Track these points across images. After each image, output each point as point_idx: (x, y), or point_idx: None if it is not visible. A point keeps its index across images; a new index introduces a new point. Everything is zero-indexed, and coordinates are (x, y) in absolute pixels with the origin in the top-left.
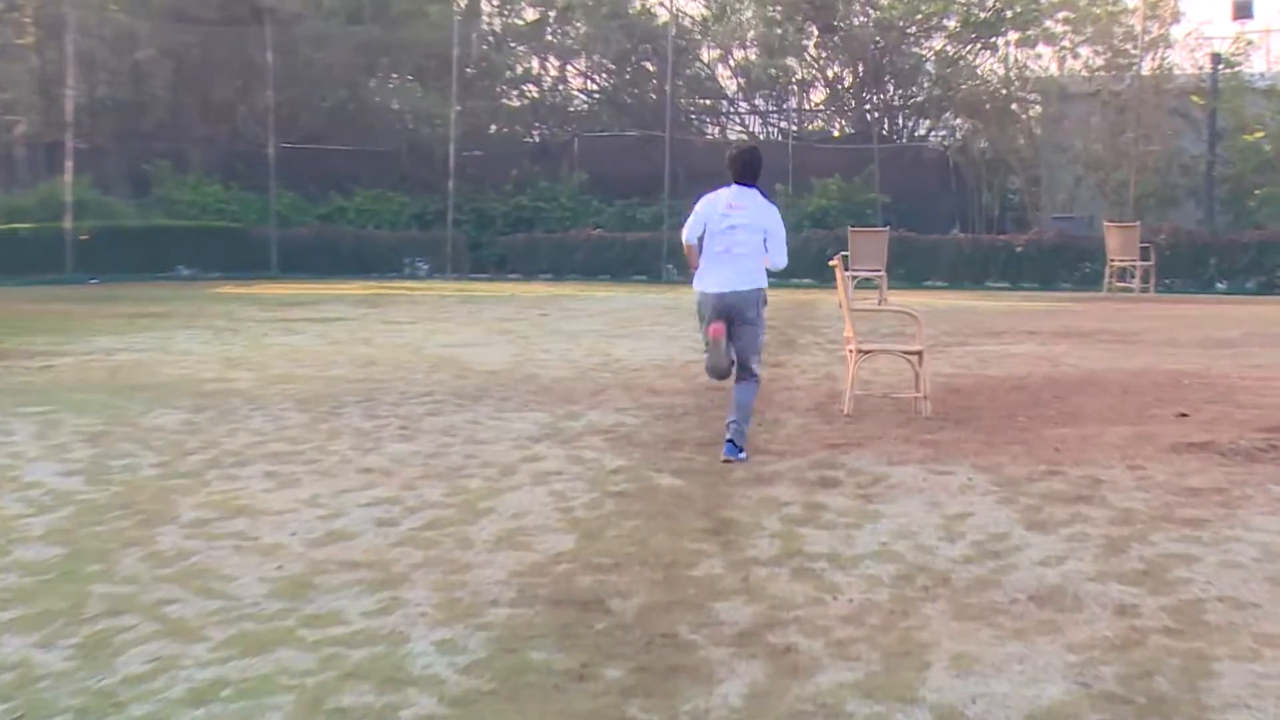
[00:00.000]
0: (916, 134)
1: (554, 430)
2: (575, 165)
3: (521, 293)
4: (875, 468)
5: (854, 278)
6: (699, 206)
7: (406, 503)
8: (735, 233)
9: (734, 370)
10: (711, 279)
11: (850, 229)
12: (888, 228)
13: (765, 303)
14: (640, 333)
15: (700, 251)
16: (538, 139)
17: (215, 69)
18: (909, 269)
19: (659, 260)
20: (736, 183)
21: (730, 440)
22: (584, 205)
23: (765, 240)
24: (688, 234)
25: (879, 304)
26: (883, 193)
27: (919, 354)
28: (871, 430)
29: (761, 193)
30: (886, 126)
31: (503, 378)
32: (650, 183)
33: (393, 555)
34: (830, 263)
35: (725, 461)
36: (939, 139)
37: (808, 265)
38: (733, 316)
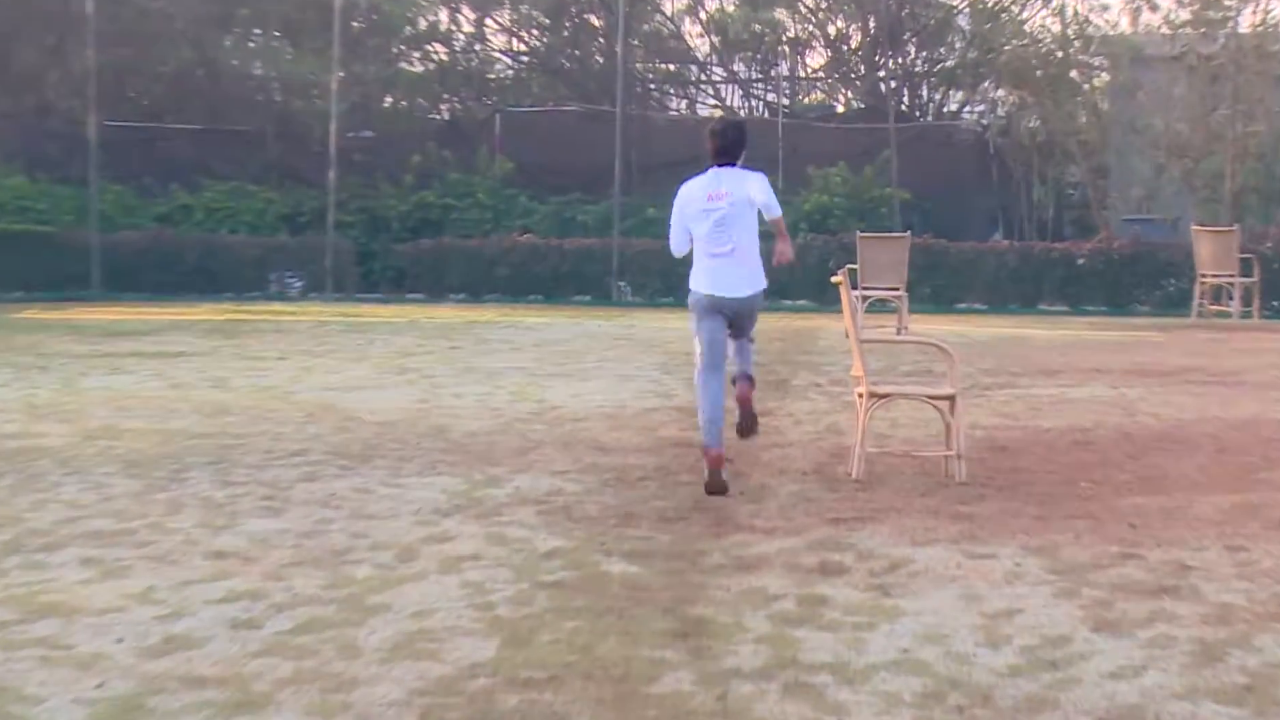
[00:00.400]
0: (946, 110)
1: (469, 500)
2: (497, 150)
3: (426, 318)
4: (893, 549)
5: (865, 298)
6: (676, 207)
7: (272, 598)
8: (726, 229)
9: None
10: (719, 280)
11: (859, 235)
12: (908, 233)
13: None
14: (583, 371)
15: (694, 247)
16: (447, 116)
17: (16, 22)
18: (937, 287)
19: (608, 276)
20: (715, 165)
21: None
22: (509, 203)
23: (753, 208)
24: (675, 246)
25: (898, 333)
26: (901, 187)
27: (951, 399)
28: (888, 500)
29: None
30: (906, 100)
31: (401, 431)
32: (596, 173)
33: (253, 668)
34: (834, 279)
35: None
36: (975, 116)
37: (804, 282)
38: (734, 319)
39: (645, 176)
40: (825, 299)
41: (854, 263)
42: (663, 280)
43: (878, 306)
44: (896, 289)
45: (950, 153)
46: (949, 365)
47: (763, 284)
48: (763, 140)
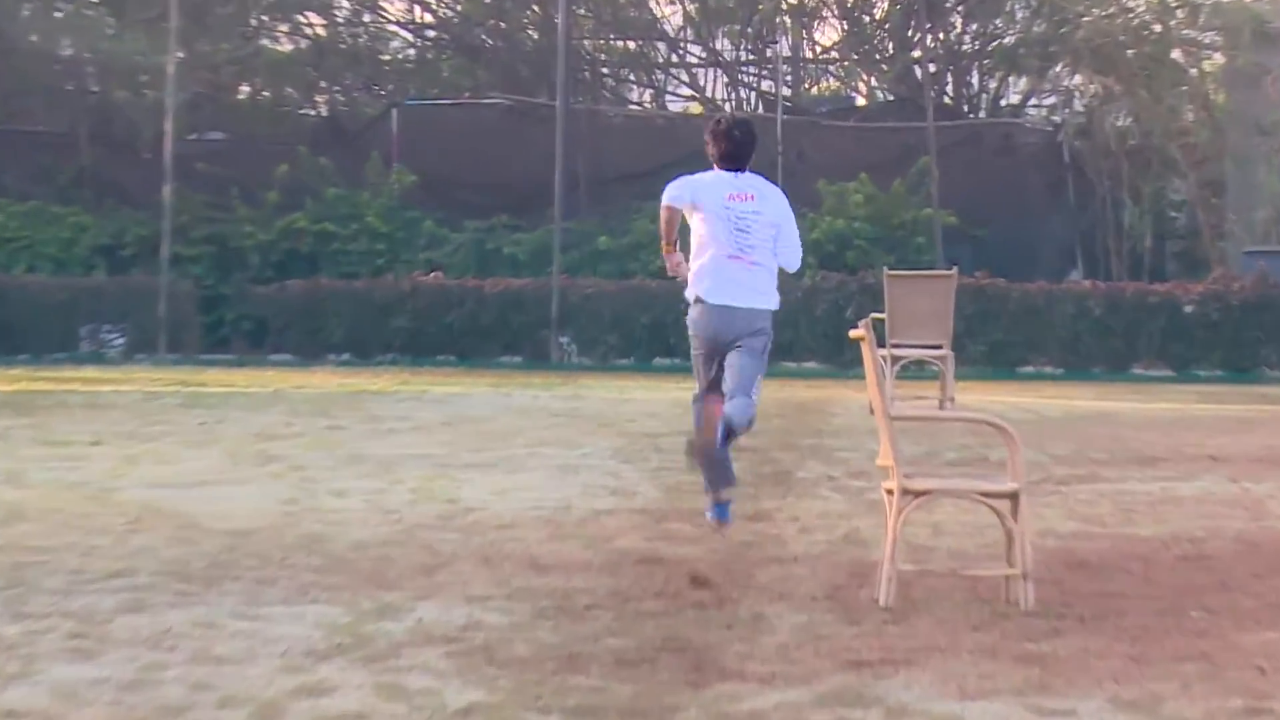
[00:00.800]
0: (1004, 103)
1: (354, 638)
2: (395, 158)
3: (296, 387)
4: (936, 703)
5: (896, 360)
6: (683, 183)
7: None
8: (750, 234)
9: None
10: (724, 288)
11: (888, 273)
12: (954, 270)
13: (772, 333)
14: (512, 460)
15: (694, 249)
16: (326, 111)
17: None
18: (994, 344)
19: (545, 329)
20: (722, 164)
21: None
22: (410, 230)
23: (775, 239)
24: (672, 196)
25: (941, 406)
26: (945, 208)
27: (1013, 497)
28: (929, 635)
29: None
30: (950, 89)
31: (261, 543)
32: (529, 190)
33: None
34: (853, 333)
35: (718, 520)
36: (1044, 112)
37: (812, 337)
38: (736, 341)
39: (596, 193)
40: (842, 360)
41: (881, 311)
42: (620, 334)
43: (913, 371)
44: (939, 346)
45: (1011, 162)
46: (1010, 451)
47: (776, 301)
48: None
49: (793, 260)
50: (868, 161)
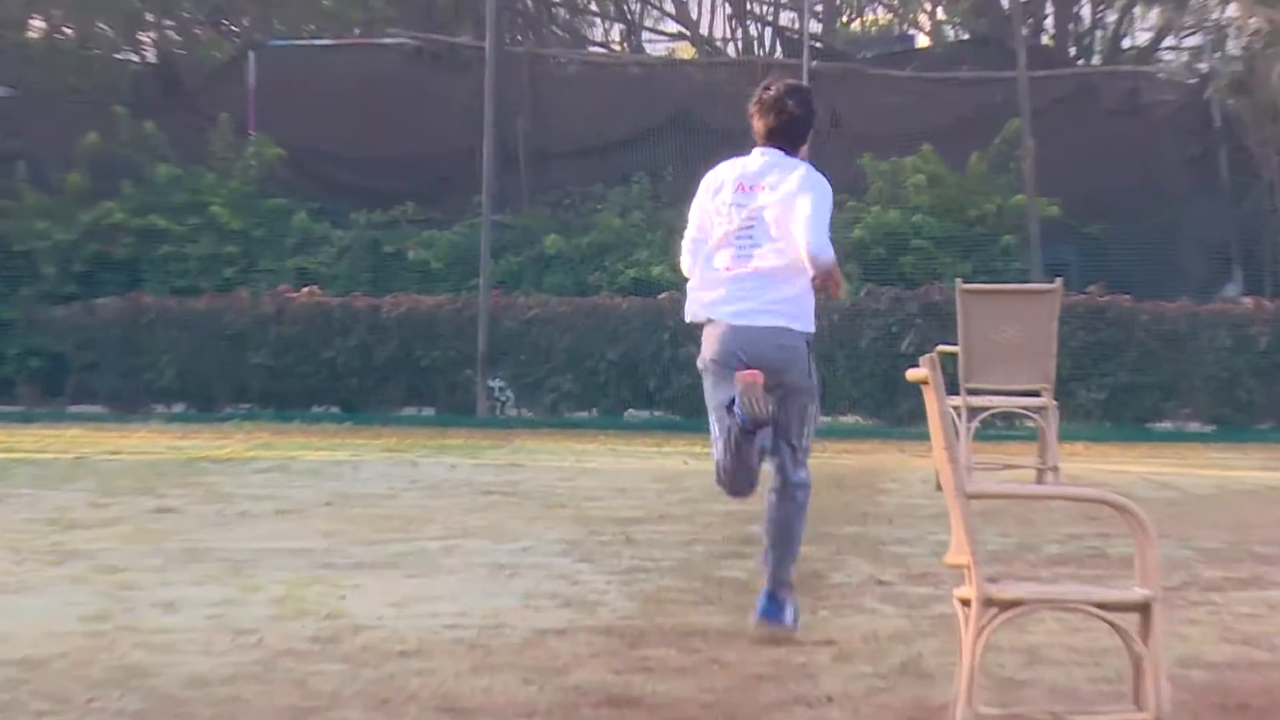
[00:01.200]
0: (1127, 46)
1: None
2: (254, 123)
3: (109, 453)
4: None
5: (974, 411)
6: (699, 195)
7: None
8: (755, 234)
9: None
10: (733, 307)
11: (962, 287)
12: (1058, 284)
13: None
14: (420, 558)
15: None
16: (153, 56)
17: None
18: (1117, 389)
19: (469, 369)
20: (766, 144)
21: (768, 593)
22: (274, 225)
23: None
24: (689, 255)
25: (1040, 479)
26: (1045, 195)
27: (1143, 610)
28: None
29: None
30: (1051, 24)
31: (57, 675)
32: (445, 168)
33: None
34: (913, 373)
35: (762, 625)
36: (1185, 57)
37: (855, 380)
38: (766, 377)
39: (543, 173)
40: (895, 413)
41: (952, 342)
42: (577, 375)
43: (1000, 428)
44: (1036, 393)
45: (1137, 128)
46: (1139, 543)
47: (807, 325)
48: None
49: (814, 241)
50: (932, 128)
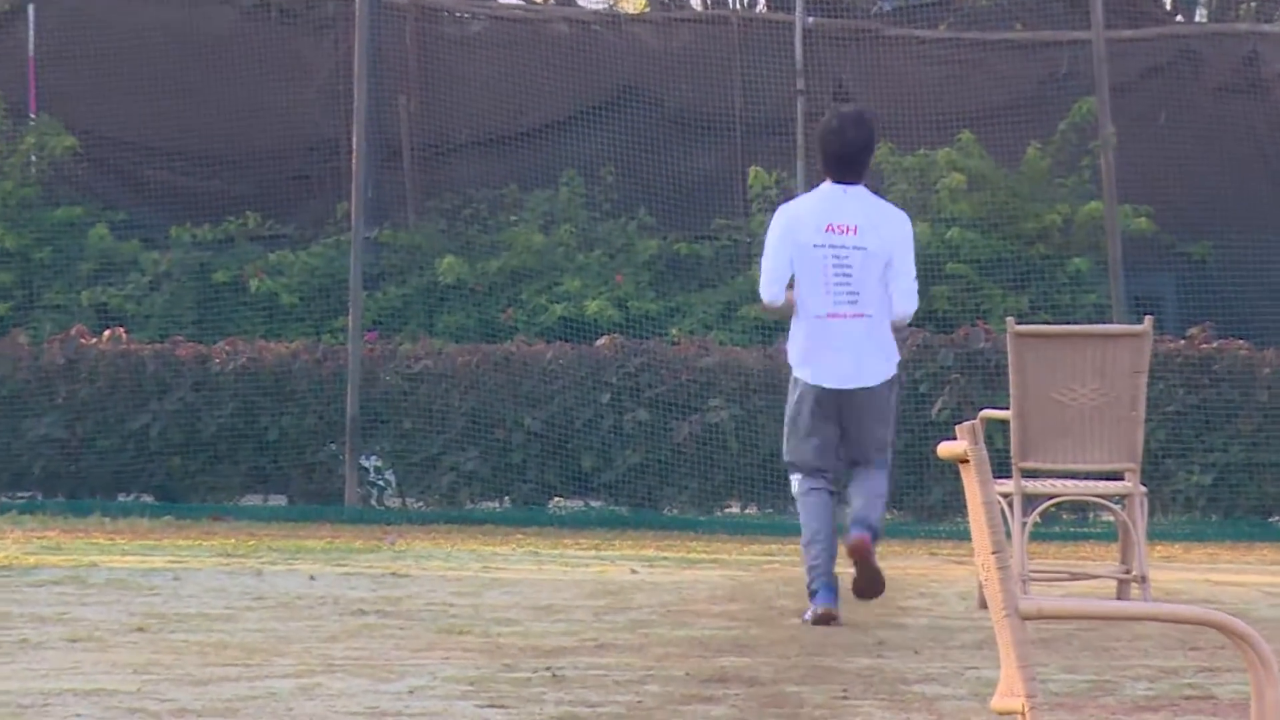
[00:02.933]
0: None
1: None
2: (33, 101)
3: None
4: None
5: (1033, 499)
6: (776, 230)
7: None
8: (852, 277)
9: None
10: (828, 364)
11: (1015, 327)
12: (1148, 323)
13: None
14: (271, 702)
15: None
16: None
17: None
18: (1230, 468)
19: (332, 438)
20: (835, 180)
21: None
22: (63, 240)
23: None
24: (770, 288)
25: (1123, 592)
26: (1130, 201)
27: None
28: None
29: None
30: None
31: None
32: (300, 162)
33: None
34: (948, 448)
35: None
36: None
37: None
38: (854, 419)
39: (435, 169)
40: (924, 504)
41: (1003, 403)
42: (482, 452)
43: (1067, 524)
44: (1118, 475)
45: (1258, 110)
46: (1256, 680)
47: (896, 357)
48: (759, 77)
49: (905, 306)
50: (975, 109)
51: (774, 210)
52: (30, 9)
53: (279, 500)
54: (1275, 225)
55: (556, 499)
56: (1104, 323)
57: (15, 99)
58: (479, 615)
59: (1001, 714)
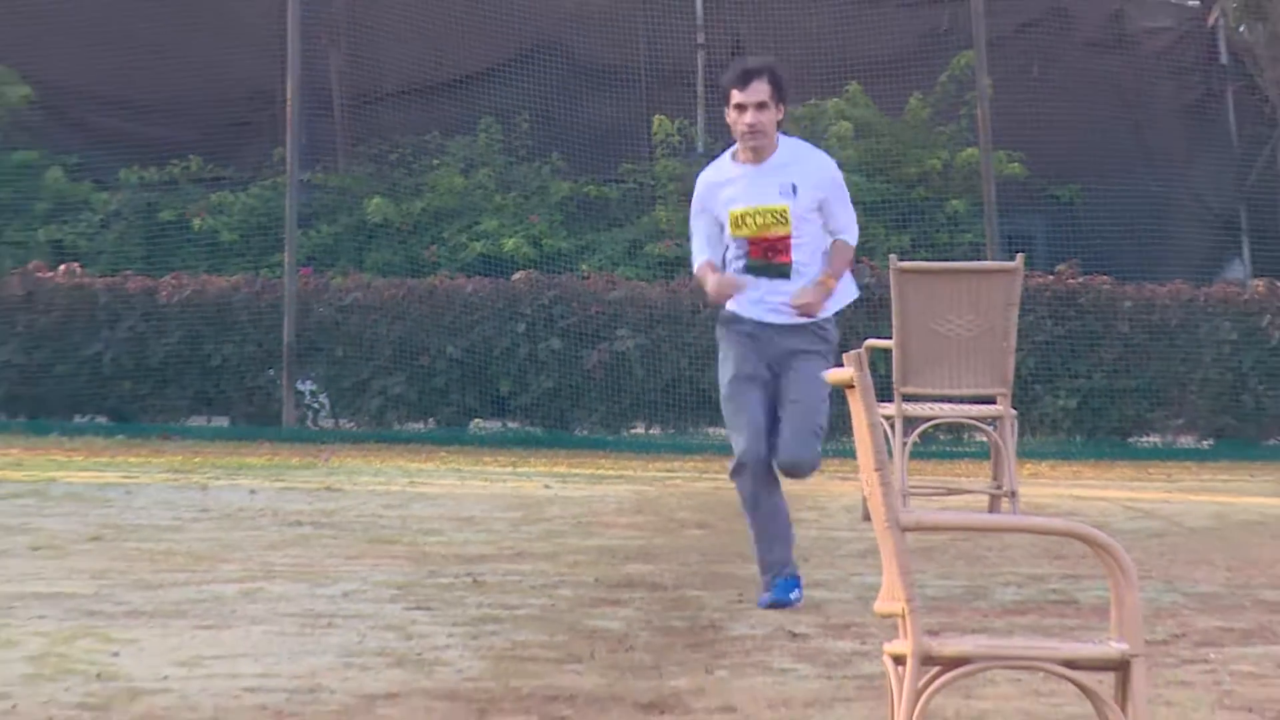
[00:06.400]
0: None
1: None
2: None
3: None
4: None
5: (913, 421)
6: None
7: None
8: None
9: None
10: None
11: (898, 264)
12: (1019, 260)
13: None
14: (214, 605)
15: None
16: None
17: None
18: (1092, 393)
19: (270, 364)
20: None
21: (778, 580)
22: (21, 184)
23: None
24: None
25: (994, 506)
26: (1004, 148)
27: (1120, 669)
28: None
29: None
30: None
31: None
32: (238, 109)
33: None
34: (835, 374)
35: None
36: None
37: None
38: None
39: (364, 116)
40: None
41: (885, 334)
42: (410, 377)
43: (944, 443)
44: (990, 400)
45: (1123, 63)
46: (1117, 586)
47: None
48: (662, 32)
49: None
50: (862, 59)
51: (676, 156)
52: None
53: (222, 421)
54: (1136, 171)
55: (477, 420)
56: (979, 260)
57: None
58: (406, 526)
59: (883, 616)
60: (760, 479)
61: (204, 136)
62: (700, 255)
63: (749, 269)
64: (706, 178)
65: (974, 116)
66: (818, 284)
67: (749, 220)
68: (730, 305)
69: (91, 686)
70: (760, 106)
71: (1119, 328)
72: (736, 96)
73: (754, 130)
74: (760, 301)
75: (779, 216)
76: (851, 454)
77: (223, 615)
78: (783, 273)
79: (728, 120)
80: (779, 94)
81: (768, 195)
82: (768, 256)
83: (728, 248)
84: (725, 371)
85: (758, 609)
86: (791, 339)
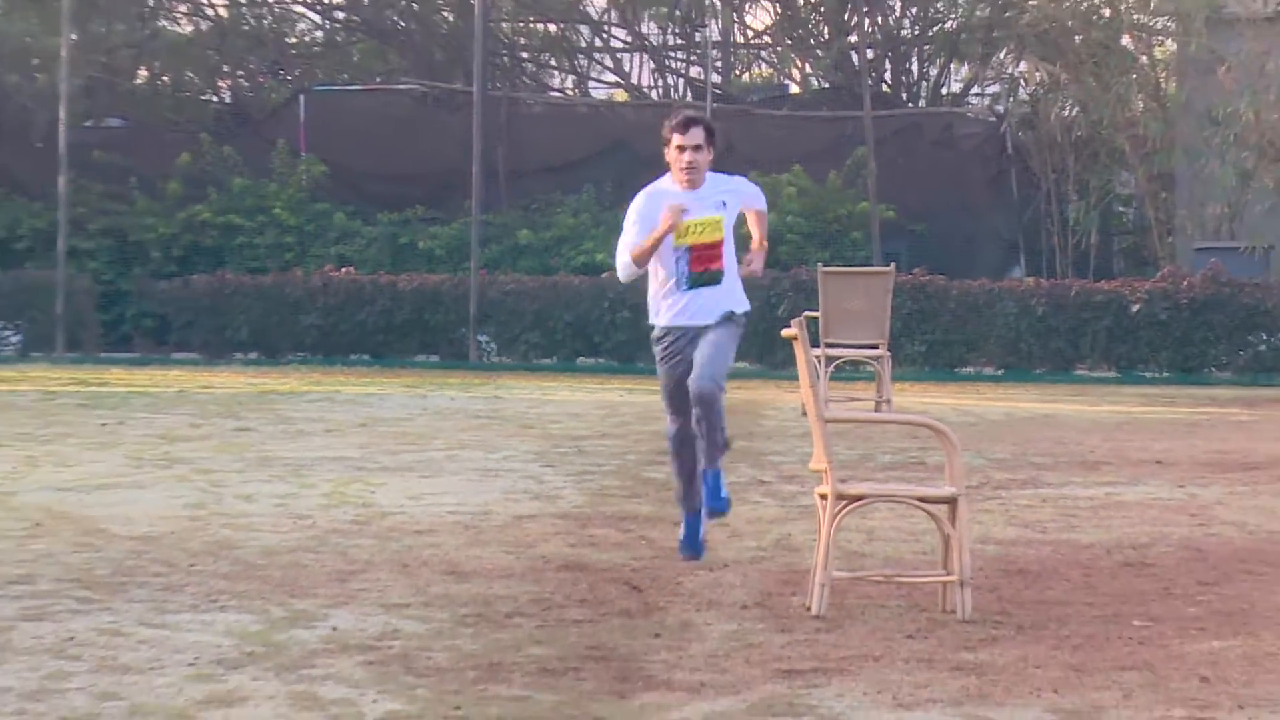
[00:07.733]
0: (945, 92)
1: (267, 646)
2: (302, 147)
3: (201, 387)
4: (870, 712)
5: (831, 360)
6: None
7: None
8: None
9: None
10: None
11: (823, 269)
12: (892, 267)
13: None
14: (429, 463)
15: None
16: (229, 97)
17: None
18: (933, 344)
19: (463, 327)
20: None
21: (696, 513)
22: (320, 222)
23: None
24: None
25: (877, 408)
26: (883, 202)
27: (951, 503)
28: (862, 643)
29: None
30: (889, 77)
31: (167, 548)
32: (445, 181)
33: None
34: (786, 332)
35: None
36: (987, 101)
37: (743, 336)
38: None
39: (517, 185)
40: (774, 360)
41: (815, 309)
42: (541, 332)
43: (848, 372)
44: (875, 346)
45: (952, 153)
46: (948, 454)
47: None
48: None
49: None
50: (802, 152)
51: None
52: (301, 97)
53: (434, 358)
54: (959, 215)
55: (580, 357)
56: (869, 266)
57: (293, 145)
58: (540, 418)
59: (814, 471)
60: (687, 445)
61: (426, 195)
62: (630, 243)
63: (691, 284)
64: (650, 192)
65: (867, 185)
66: (758, 248)
67: (694, 229)
68: (663, 322)
69: (359, 511)
70: (697, 148)
71: (949, 306)
72: (678, 139)
73: (692, 167)
74: (700, 310)
75: (716, 226)
76: (796, 378)
77: (434, 469)
78: (715, 279)
79: (668, 159)
80: (711, 139)
81: (706, 209)
82: (706, 265)
83: (664, 268)
84: (666, 375)
85: (741, 466)
86: (715, 324)
